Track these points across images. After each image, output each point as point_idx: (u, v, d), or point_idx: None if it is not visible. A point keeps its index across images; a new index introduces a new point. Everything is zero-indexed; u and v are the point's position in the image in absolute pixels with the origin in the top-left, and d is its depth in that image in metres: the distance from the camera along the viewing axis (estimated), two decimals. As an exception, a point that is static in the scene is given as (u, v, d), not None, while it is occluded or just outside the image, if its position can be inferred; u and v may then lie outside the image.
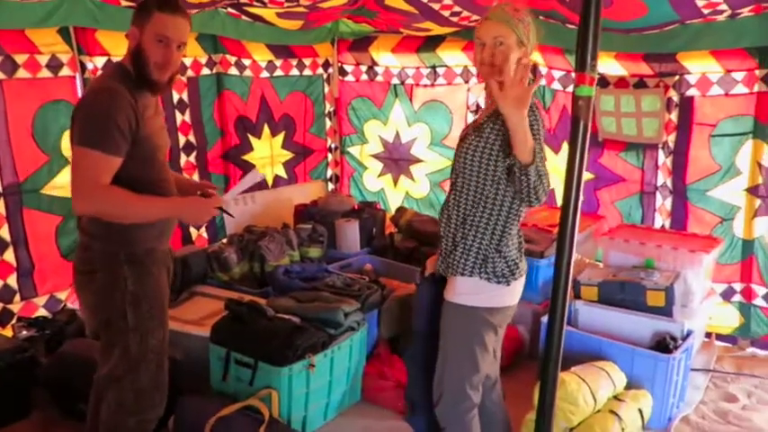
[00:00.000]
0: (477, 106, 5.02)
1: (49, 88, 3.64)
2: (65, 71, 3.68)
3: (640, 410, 2.90)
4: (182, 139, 4.42)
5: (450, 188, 2.40)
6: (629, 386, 3.16)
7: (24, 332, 3.43)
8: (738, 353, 4.19)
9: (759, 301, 4.13)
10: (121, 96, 2.12)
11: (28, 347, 3.22)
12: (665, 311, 3.56)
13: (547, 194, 2.21)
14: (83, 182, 2.09)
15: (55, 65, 3.64)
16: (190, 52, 4.37)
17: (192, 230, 4.56)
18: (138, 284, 2.25)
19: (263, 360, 2.93)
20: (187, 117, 4.43)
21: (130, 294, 2.23)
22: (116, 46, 3.77)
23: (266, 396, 2.89)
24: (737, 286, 4.19)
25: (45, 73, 3.61)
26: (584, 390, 2.73)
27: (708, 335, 4.26)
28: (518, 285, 2.30)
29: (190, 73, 4.41)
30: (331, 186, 5.52)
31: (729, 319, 4.26)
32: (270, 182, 5.06)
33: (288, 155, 5.16)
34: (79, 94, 3.73)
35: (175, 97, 4.35)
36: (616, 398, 2.94)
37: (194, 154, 4.51)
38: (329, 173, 5.53)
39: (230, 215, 2.55)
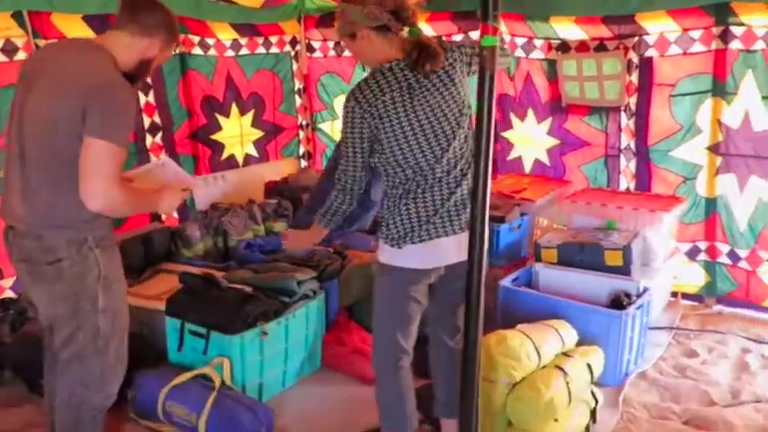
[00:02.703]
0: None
1: (5, 72, 3.66)
2: (20, 55, 3.70)
3: (589, 365, 2.92)
4: (147, 121, 4.44)
5: None
6: (583, 344, 3.19)
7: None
8: (704, 311, 4.21)
9: (723, 259, 4.15)
10: (132, 94, 2.23)
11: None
12: (624, 270, 3.59)
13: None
14: (106, 178, 2.06)
15: (9, 49, 3.66)
16: (151, 33, 4.38)
17: (162, 211, 4.60)
18: (109, 268, 2.28)
19: (215, 329, 2.98)
20: (151, 98, 4.45)
21: (103, 278, 2.26)
22: (71, 29, 3.80)
23: (219, 364, 2.94)
24: (702, 245, 4.21)
25: (0, 57, 3.64)
26: (527, 346, 2.76)
27: (674, 294, 4.29)
28: (415, 250, 2.35)
29: (152, 54, 4.41)
30: (304, 163, 5.55)
31: (695, 277, 4.28)
32: (240, 161, 5.09)
33: (258, 133, 5.18)
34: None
35: (138, 79, 4.36)
36: (565, 354, 2.96)
37: (160, 135, 4.53)
38: (301, 150, 5.55)
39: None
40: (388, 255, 2.42)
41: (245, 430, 2.71)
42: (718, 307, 4.23)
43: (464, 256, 2.31)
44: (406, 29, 2.30)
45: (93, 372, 2.30)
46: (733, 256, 4.09)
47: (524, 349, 2.73)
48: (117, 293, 2.32)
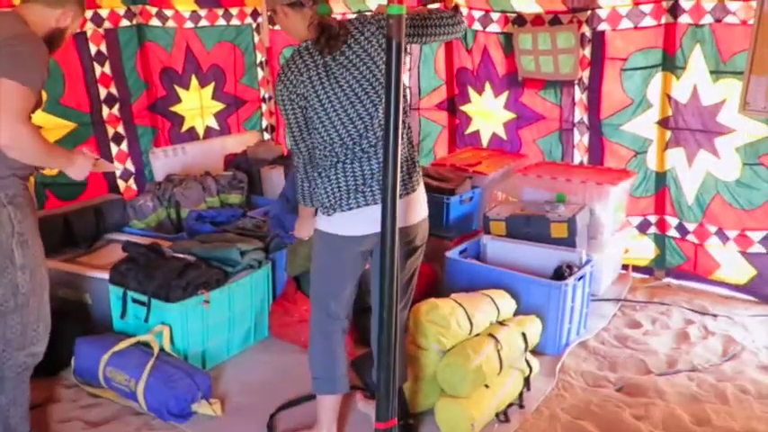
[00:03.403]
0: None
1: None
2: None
3: (524, 334, 2.98)
4: (102, 92, 4.44)
5: None
6: (526, 314, 3.24)
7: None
8: (653, 283, 4.28)
9: (673, 233, 4.21)
10: (42, 44, 2.30)
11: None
12: (569, 242, 3.65)
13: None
14: (15, 114, 2.16)
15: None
16: (106, 3, 4.36)
17: (120, 182, 4.61)
18: (24, 225, 2.33)
19: (155, 297, 3.01)
20: (107, 69, 4.44)
21: (18, 234, 2.31)
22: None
23: (159, 332, 2.98)
24: (652, 218, 4.27)
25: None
26: (458, 314, 2.80)
27: (625, 267, 4.35)
28: (345, 217, 2.40)
29: (107, 24, 4.40)
30: (267, 136, 5.55)
31: (646, 251, 4.34)
32: (201, 133, 5.09)
33: (219, 105, 5.18)
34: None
35: (93, 49, 4.35)
36: (500, 323, 3.02)
37: (117, 106, 4.53)
38: (264, 123, 5.55)
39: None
40: (321, 222, 2.48)
41: (181, 395, 2.76)
42: (667, 279, 4.30)
43: (400, 224, 2.40)
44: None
45: (15, 328, 2.36)
46: (681, 229, 4.16)
47: (455, 317, 2.78)
48: (34, 251, 2.38)
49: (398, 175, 2.04)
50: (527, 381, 3.01)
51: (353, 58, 2.32)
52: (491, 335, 2.87)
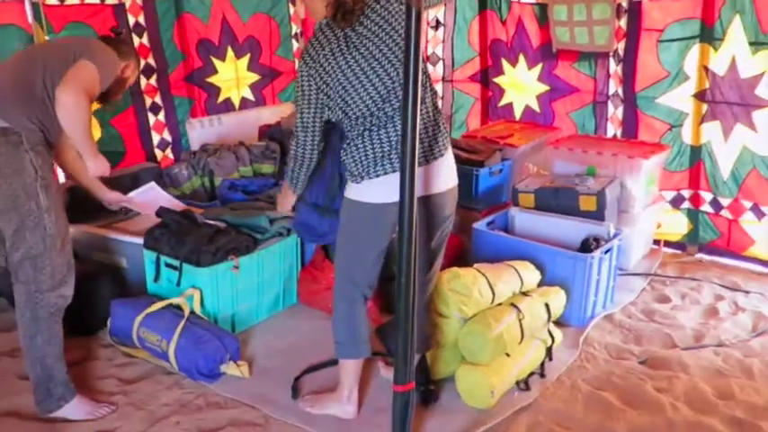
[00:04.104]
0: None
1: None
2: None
3: (547, 305, 2.99)
4: (141, 62, 4.53)
5: None
6: (551, 285, 3.25)
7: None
8: (685, 259, 4.23)
9: (706, 207, 4.15)
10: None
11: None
12: (598, 215, 3.63)
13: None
14: (81, 83, 2.45)
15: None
16: (145, -25, 4.45)
17: (157, 151, 4.73)
18: (45, 170, 2.51)
19: (187, 261, 3.11)
20: (145, 40, 4.52)
21: (41, 178, 2.48)
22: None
23: (190, 295, 3.08)
24: (686, 193, 4.21)
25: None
26: (480, 283, 2.83)
27: (656, 242, 4.31)
28: (373, 185, 2.42)
29: (145, -4, 4.49)
30: (301, 108, 5.58)
31: (678, 226, 4.29)
32: (237, 104, 5.17)
33: (254, 77, 5.23)
34: (29, 18, 3.87)
35: (131, 21, 4.44)
36: (524, 293, 3.04)
37: (155, 77, 4.63)
38: (299, 94, 5.58)
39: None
40: (350, 191, 2.51)
41: (210, 356, 2.85)
42: (699, 255, 4.25)
43: (424, 191, 2.46)
44: None
45: (45, 270, 2.51)
46: (716, 204, 4.09)
47: (477, 286, 2.80)
48: (55, 195, 2.54)
49: (417, 141, 2.07)
50: (549, 351, 3.03)
51: (372, 26, 2.36)
52: (513, 304, 2.89)
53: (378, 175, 2.42)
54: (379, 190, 2.43)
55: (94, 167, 2.65)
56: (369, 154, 2.42)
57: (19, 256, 2.50)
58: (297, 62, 5.49)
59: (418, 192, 2.43)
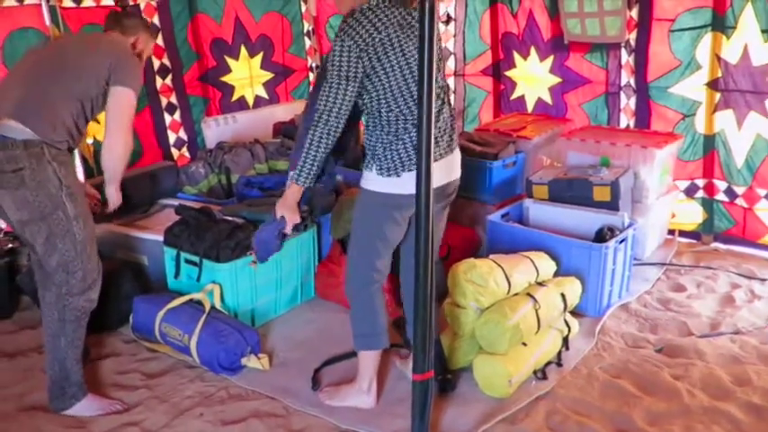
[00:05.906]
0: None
1: (16, 16, 3.84)
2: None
3: (563, 295, 3.02)
4: (156, 63, 4.59)
5: None
6: (566, 276, 3.27)
7: (9, 245, 3.75)
8: (701, 248, 4.24)
9: (721, 197, 4.15)
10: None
11: (9, 257, 3.57)
12: (612, 206, 3.65)
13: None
14: (128, 121, 2.69)
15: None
16: (158, -23, 4.50)
17: (174, 150, 4.79)
18: (69, 179, 2.58)
19: (206, 257, 3.16)
20: (160, 41, 4.58)
21: (65, 187, 2.54)
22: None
23: (210, 291, 3.14)
24: (700, 182, 4.22)
25: (10, 2, 3.80)
26: (496, 273, 2.86)
27: (671, 232, 4.31)
28: (412, 177, 2.36)
29: (159, -3, 4.54)
30: (315, 105, 5.62)
31: (693, 215, 4.30)
32: (250, 102, 5.22)
33: (267, 75, 5.29)
34: (46, 21, 3.93)
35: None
36: (539, 284, 3.06)
37: (170, 77, 4.69)
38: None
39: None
40: (381, 184, 2.47)
41: (231, 349, 2.91)
42: (714, 244, 4.25)
43: (445, 180, 2.52)
44: None
45: (77, 275, 2.58)
46: (730, 193, 4.10)
47: (493, 276, 2.83)
48: (81, 202, 2.61)
49: (446, 135, 2.11)
50: (566, 340, 3.06)
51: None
52: (529, 294, 2.92)
53: (412, 170, 2.43)
54: (409, 182, 2.44)
55: (115, 197, 2.91)
56: (409, 147, 2.44)
57: (53, 262, 2.56)
58: (309, 59, 5.54)
59: (440, 181, 2.49)
